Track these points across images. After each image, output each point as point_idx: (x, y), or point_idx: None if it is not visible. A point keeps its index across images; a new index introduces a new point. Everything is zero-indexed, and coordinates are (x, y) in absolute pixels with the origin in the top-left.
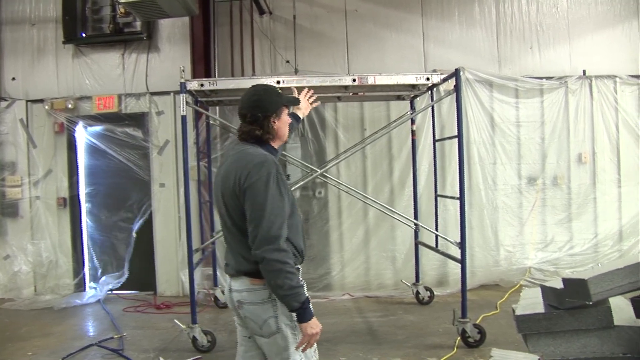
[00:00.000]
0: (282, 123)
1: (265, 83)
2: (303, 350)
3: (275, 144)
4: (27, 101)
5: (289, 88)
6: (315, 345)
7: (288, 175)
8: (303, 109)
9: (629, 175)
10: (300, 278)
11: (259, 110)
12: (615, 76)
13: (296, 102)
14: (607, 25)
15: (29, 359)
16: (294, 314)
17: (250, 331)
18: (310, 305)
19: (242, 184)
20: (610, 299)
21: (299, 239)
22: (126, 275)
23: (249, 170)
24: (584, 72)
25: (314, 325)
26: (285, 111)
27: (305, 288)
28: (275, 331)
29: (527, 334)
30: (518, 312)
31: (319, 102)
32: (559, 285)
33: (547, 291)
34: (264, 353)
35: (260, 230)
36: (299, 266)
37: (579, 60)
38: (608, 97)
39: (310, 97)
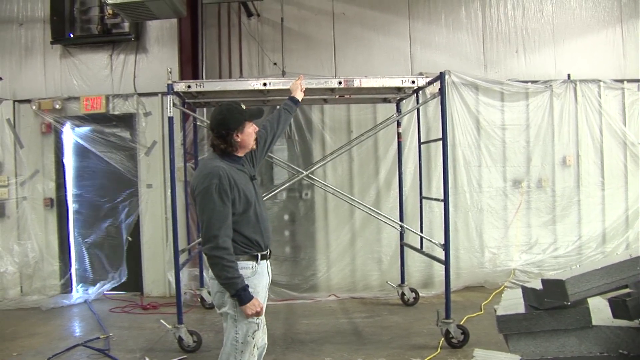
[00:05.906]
0: (246, 136)
1: (230, 101)
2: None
3: (240, 153)
4: (15, 101)
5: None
6: (262, 318)
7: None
8: (299, 93)
9: (613, 178)
10: (251, 265)
11: (223, 127)
12: (599, 80)
13: (259, 115)
14: (592, 31)
15: (14, 359)
16: None
17: None
18: (249, 290)
19: (193, 191)
20: (589, 300)
21: (251, 232)
22: (124, 278)
23: (198, 181)
24: (569, 76)
25: (252, 306)
26: (249, 125)
27: (256, 276)
28: (221, 304)
29: (508, 334)
30: (499, 312)
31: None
32: (539, 286)
33: (527, 292)
34: None
35: (203, 231)
36: (259, 253)
37: (564, 64)
38: (592, 101)
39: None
